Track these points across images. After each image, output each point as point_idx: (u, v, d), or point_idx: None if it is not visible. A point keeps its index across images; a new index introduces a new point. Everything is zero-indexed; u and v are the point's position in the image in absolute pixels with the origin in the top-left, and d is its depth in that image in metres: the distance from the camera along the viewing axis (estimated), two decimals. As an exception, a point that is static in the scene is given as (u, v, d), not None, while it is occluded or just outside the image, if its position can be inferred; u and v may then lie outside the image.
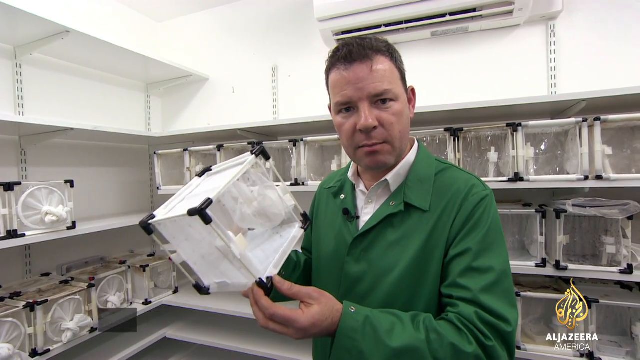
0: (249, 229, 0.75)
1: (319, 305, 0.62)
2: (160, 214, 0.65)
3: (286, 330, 0.60)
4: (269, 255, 0.70)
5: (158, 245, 2.28)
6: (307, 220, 0.78)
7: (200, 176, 0.78)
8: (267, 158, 0.71)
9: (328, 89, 0.78)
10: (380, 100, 0.70)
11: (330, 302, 0.64)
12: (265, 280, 0.61)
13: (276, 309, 0.60)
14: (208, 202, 0.54)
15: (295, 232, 0.76)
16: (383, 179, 0.77)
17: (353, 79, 0.70)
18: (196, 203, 0.54)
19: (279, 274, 0.66)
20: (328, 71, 0.76)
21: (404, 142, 0.75)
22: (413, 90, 0.79)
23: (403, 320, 0.63)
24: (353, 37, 0.74)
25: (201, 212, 0.53)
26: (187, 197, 0.69)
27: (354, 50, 0.70)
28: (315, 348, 0.89)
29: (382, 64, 0.70)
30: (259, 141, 1.76)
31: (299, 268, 0.91)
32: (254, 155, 0.69)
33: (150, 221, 0.62)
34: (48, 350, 1.33)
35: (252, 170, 0.70)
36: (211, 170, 0.79)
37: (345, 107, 0.73)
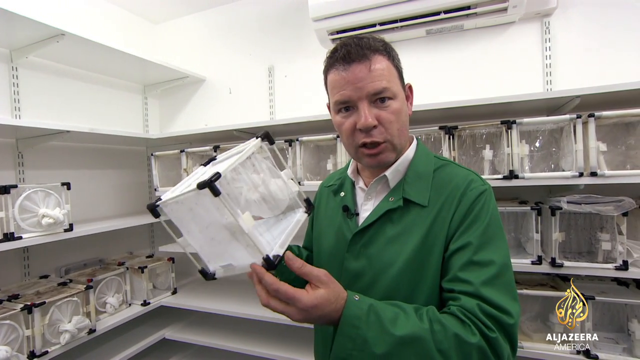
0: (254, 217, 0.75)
1: (326, 289, 0.61)
2: (167, 197, 0.65)
3: (287, 309, 0.60)
4: (275, 236, 0.70)
5: (157, 247, 2.29)
6: (310, 206, 0.79)
7: (205, 165, 0.79)
8: (271, 142, 0.72)
9: (327, 89, 0.79)
10: (379, 99, 0.71)
11: (338, 288, 0.63)
12: (272, 257, 0.60)
13: (280, 284, 0.59)
14: (217, 175, 0.55)
15: (299, 217, 0.77)
16: (382, 175, 0.78)
17: (352, 79, 0.70)
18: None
19: (281, 259, 0.66)
20: (326, 72, 0.77)
21: (402, 139, 0.76)
22: (410, 87, 0.80)
23: (406, 310, 0.63)
24: (350, 37, 0.74)
25: (210, 185, 0.54)
26: (194, 182, 0.70)
27: (352, 50, 0.70)
28: (316, 341, 0.89)
29: (380, 63, 0.71)
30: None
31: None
32: (259, 139, 0.70)
33: (158, 202, 0.63)
34: (46, 352, 1.33)
35: (257, 155, 0.71)
36: (216, 159, 0.80)
37: (345, 106, 0.74)
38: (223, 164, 0.73)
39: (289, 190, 0.75)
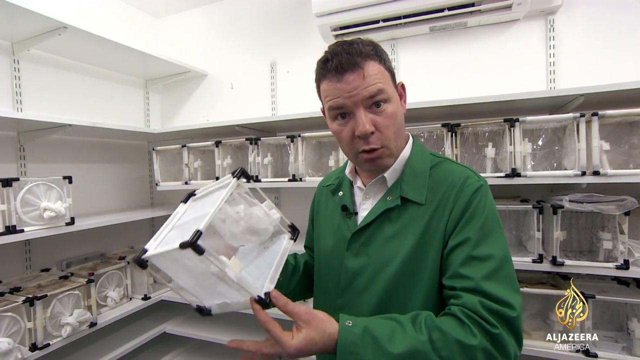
0: (240, 246, 0.76)
1: (307, 329, 0.62)
2: (152, 246, 0.66)
3: (278, 350, 0.63)
4: (263, 271, 0.72)
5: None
6: (295, 231, 0.82)
7: (185, 202, 0.79)
8: (248, 179, 0.73)
9: (320, 97, 0.78)
10: (374, 103, 0.71)
11: (322, 325, 0.63)
12: (263, 296, 0.63)
13: (271, 325, 0.62)
14: (198, 234, 0.56)
15: (285, 244, 0.80)
16: (380, 175, 0.79)
17: (347, 89, 0.69)
18: (186, 235, 0.56)
19: (277, 280, 0.69)
20: (318, 81, 0.76)
21: (399, 141, 0.77)
22: (403, 86, 0.79)
23: (403, 323, 0.63)
24: (339, 43, 0.73)
25: (193, 245, 0.54)
26: (176, 226, 0.71)
27: (343, 60, 0.69)
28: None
29: (372, 69, 0.70)
30: (256, 137, 1.76)
31: (298, 271, 0.92)
32: (235, 179, 0.70)
33: (144, 256, 0.63)
34: (48, 345, 1.34)
35: (236, 191, 0.71)
36: (195, 195, 0.80)
37: (341, 112, 0.73)
38: (203, 203, 0.73)
39: (270, 219, 0.76)
